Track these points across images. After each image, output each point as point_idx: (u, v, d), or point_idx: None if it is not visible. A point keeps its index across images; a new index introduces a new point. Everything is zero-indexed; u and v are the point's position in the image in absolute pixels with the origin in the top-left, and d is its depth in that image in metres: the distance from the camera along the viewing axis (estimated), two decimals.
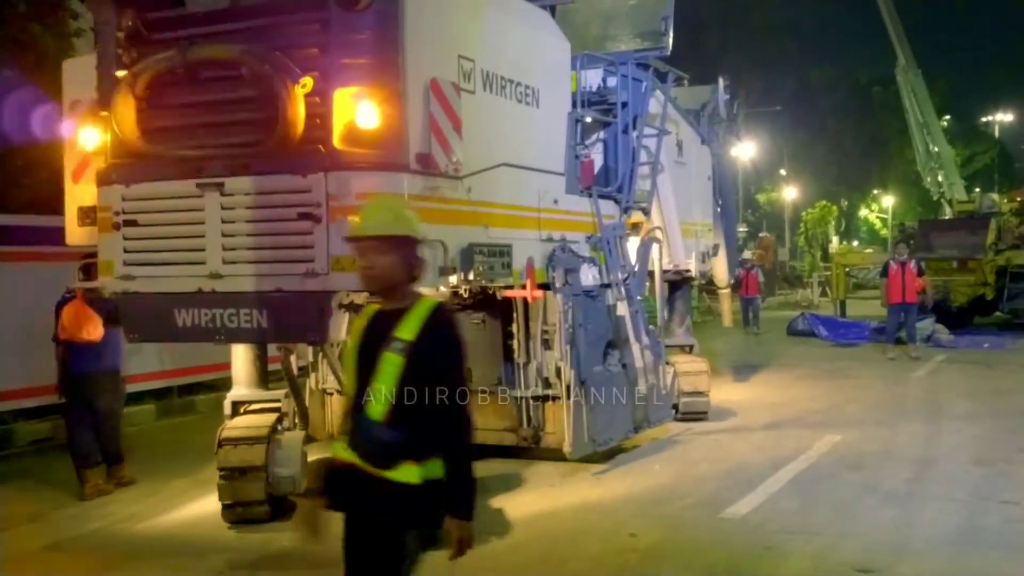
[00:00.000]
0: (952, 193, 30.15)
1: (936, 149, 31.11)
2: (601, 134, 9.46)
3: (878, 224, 64.33)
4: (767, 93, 49.75)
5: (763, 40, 50.92)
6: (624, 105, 9.29)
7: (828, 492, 7.74)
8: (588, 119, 9.07)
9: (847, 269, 26.73)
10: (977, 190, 40.86)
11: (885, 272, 17.53)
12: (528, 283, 7.47)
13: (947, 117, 50.86)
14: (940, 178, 31.01)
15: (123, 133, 6.50)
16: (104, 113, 6.69)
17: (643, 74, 9.65)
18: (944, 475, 8.28)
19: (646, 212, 9.69)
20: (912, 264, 17.19)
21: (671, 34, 9.92)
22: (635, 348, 8.77)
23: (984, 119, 64.19)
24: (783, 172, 54.30)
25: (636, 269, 9.25)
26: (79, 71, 7.41)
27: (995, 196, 28.43)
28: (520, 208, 7.59)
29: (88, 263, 7.47)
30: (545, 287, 7.90)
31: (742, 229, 41.77)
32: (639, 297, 9.19)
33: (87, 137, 6.99)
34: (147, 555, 6.72)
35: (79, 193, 7.29)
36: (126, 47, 6.64)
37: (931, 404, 12.13)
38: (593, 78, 9.48)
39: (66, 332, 7.95)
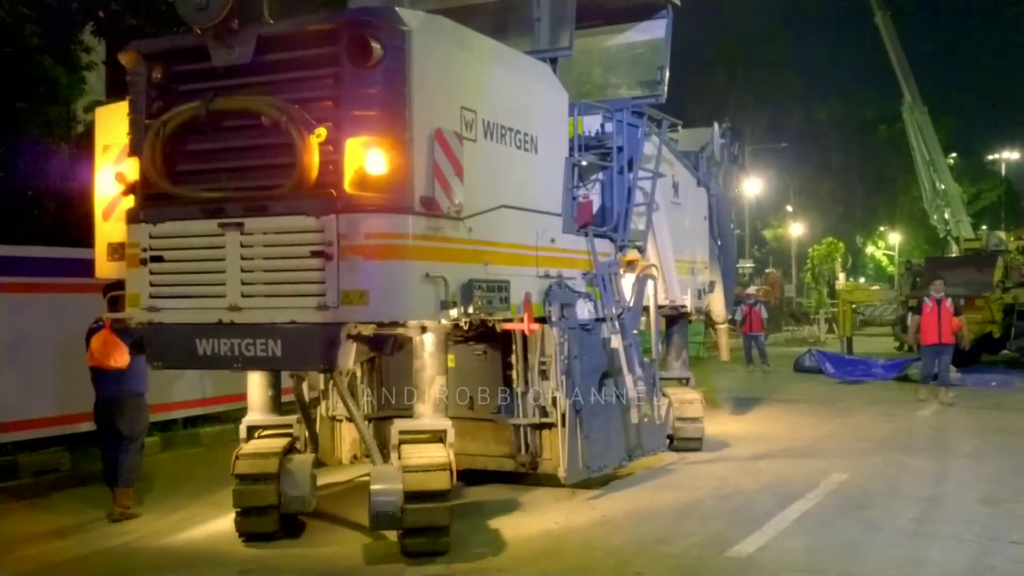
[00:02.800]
0: (959, 231, 30.16)
1: (942, 187, 31.22)
2: (599, 175, 9.94)
3: (885, 261, 64.43)
4: (773, 129, 50.44)
5: (769, 77, 51.68)
6: (620, 149, 9.77)
7: (835, 531, 7.67)
8: (585, 163, 9.56)
9: (854, 306, 26.87)
10: (984, 228, 40.97)
11: (919, 309, 16.27)
12: (526, 317, 7.86)
13: (953, 155, 51.14)
14: (947, 215, 31.03)
15: (151, 176, 7.02)
16: (134, 157, 7.22)
17: (638, 120, 10.14)
18: (951, 514, 8.21)
19: (641, 250, 10.07)
20: (948, 302, 15.70)
21: (666, 83, 10.51)
22: (629, 379, 9.07)
23: (991, 157, 63.79)
24: (789, 208, 54.61)
25: (631, 304, 9.61)
26: (111, 117, 8.01)
27: (1002, 234, 28.62)
28: (518, 247, 8.04)
29: (115, 295, 8.01)
30: (542, 321, 8.34)
31: (748, 265, 42.04)
32: (634, 331, 9.51)
33: (117, 179, 7.48)
34: (167, 566, 7.22)
35: (109, 230, 7.82)
36: (155, 97, 7.18)
37: (938, 442, 12.08)
38: (592, 124, 9.97)
39: (94, 359, 8.43)
